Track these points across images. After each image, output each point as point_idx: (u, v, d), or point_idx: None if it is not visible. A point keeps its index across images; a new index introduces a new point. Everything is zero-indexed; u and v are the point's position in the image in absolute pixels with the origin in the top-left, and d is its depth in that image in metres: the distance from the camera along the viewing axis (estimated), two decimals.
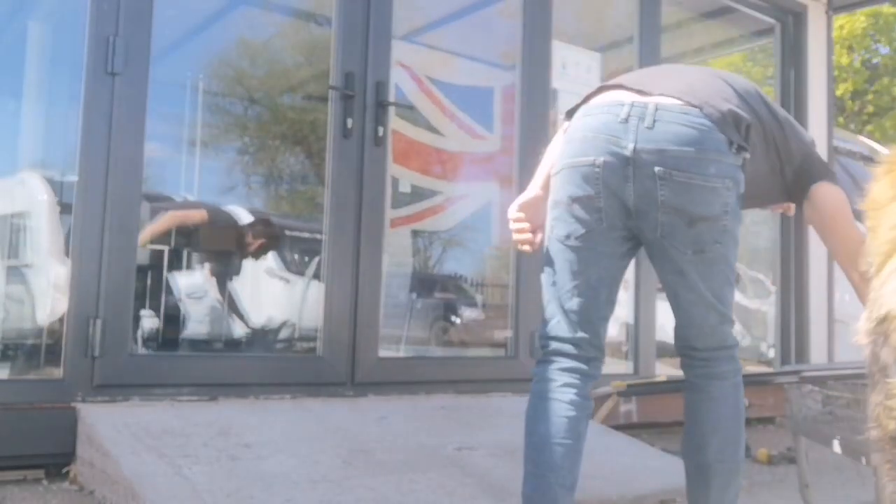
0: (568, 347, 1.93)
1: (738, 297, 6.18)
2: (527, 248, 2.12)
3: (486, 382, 3.64)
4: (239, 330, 5.34)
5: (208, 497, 2.21)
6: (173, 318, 4.78)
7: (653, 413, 3.89)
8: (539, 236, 2.09)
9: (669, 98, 1.86)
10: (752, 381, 3.79)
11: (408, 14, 4.19)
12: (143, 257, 4.50)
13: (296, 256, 5.82)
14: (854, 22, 16.48)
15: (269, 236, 5.54)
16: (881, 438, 1.43)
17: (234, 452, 2.55)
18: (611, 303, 1.99)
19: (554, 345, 1.95)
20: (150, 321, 4.58)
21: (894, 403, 1.39)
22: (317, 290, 3.74)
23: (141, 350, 4.13)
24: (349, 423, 2.98)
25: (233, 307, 5.35)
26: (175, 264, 4.98)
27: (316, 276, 4.79)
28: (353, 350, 3.34)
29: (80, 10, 2.90)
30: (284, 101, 6.70)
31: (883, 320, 1.42)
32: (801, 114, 5.16)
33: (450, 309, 6.29)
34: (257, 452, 2.58)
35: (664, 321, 2.11)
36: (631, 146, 1.83)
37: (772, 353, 5.28)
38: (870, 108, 17.26)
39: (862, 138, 8.83)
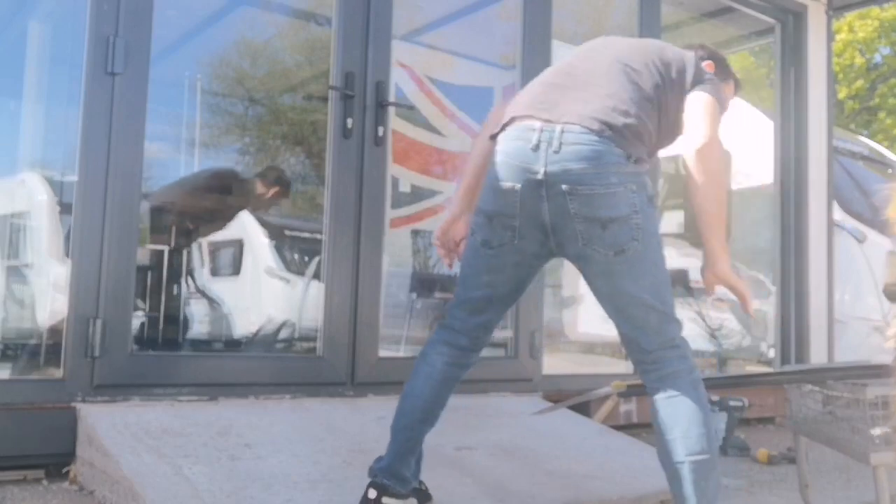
0: (458, 324, 2.23)
1: None
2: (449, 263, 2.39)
3: (486, 382, 3.64)
4: (239, 330, 5.34)
5: (208, 497, 2.21)
6: (173, 318, 4.78)
7: None
8: (461, 247, 2.34)
9: (572, 124, 2.02)
10: (752, 381, 3.78)
11: (408, 14, 4.19)
12: (143, 257, 4.51)
13: (296, 256, 5.82)
14: (867, 26, 16.47)
15: (280, 185, 5.44)
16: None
17: (234, 452, 2.55)
18: (510, 302, 2.27)
19: (449, 319, 2.26)
20: (150, 321, 4.58)
21: None
22: (317, 290, 3.74)
23: (141, 350, 4.13)
24: (349, 423, 2.98)
25: (233, 307, 5.36)
26: (175, 264, 4.98)
27: (316, 276, 4.78)
28: (353, 350, 3.34)
29: (80, 10, 2.90)
30: (284, 101, 6.69)
31: None
32: (801, 114, 5.16)
33: None
34: (257, 452, 2.58)
35: None
36: (542, 170, 2.02)
37: (772, 353, 5.28)
38: (877, 106, 17.24)
39: (862, 138, 8.81)
